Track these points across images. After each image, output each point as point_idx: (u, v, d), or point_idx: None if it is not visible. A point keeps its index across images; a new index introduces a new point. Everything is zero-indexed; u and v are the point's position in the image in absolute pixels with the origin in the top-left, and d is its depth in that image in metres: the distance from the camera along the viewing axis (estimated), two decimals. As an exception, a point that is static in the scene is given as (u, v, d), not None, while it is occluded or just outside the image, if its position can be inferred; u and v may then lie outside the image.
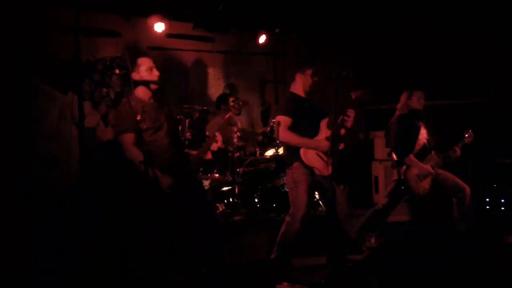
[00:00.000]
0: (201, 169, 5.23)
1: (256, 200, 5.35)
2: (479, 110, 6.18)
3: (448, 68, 6.55)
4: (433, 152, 4.69)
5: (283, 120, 4.03)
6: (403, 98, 4.80)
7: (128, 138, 3.51)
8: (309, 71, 4.15)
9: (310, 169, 4.00)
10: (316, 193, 4.82)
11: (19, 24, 5.03)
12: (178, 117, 5.19)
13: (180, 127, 5.18)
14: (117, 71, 3.73)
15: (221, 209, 5.25)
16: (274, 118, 4.96)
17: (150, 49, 6.02)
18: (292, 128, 4.02)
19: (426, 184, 4.60)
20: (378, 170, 6.42)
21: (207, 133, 5.39)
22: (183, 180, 3.61)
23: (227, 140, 5.34)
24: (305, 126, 4.05)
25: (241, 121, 6.25)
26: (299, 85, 4.19)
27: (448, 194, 4.68)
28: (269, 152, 5.72)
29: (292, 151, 4.05)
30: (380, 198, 5.41)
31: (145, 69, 3.67)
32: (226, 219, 5.07)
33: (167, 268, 3.62)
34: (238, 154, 5.47)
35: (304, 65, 4.22)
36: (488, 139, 5.50)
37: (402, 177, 4.64)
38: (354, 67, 6.62)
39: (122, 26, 5.94)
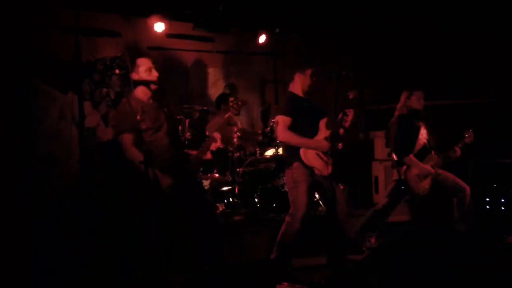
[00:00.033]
0: (201, 169, 5.23)
1: (256, 200, 5.35)
2: (479, 110, 6.18)
3: (448, 68, 6.56)
4: (433, 152, 4.69)
5: (282, 119, 4.03)
6: (402, 98, 4.80)
7: (128, 138, 3.51)
8: (308, 71, 4.14)
9: (310, 169, 4.00)
10: (316, 193, 4.82)
11: (19, 24, 5.03)
12: (178, 117, 5.19)
13: (180, 127, 5.19)
14: (117, 71, 3.73)
15: (221, 209, 5.25)
16: (274, 118, 4.96)
17: (150, 49, 6.03)
18: (292, 128, 4.01)
19: (426, 184, 4.60)
20: (378, 170, 6.42)
21: (207, 133, 5.39)
22: (183, 180, 3.61)
23: (227, 140, 5.35)
24: (304, 126, 4.04)
25: (241, 121, 6.25)
26: (298, 85, 4.19)
27: (448, 194, 4.68)
28: (269, 152, 5.72)
29: (292, 151, 4.05)
30: (380, 198, 5.41)
31: (144, 69, 3.68)
32: (226, 219, 5.07)
33: (167, 268, 3.62)
34: (238, 154, 5.47)
35: (304, 65, 4.21)
36: (488, 139, 5.50)
37: (402, 177, 4.64)
38: (354, 67, 6.63)
39: (122, 26, 5.94)
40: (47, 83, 5.40)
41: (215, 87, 6.65)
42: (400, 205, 4.91)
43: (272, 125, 5.52)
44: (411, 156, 4.61)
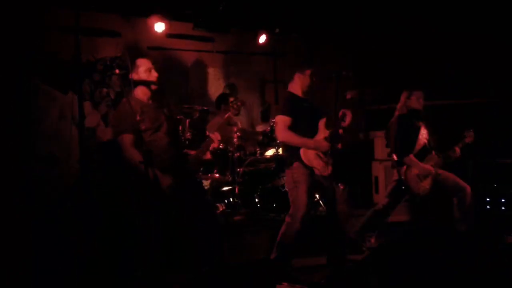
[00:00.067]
0: (201, 169, 5.23)
1: (256, 200, 5.35)
2: (479, 110, 6.18)
3: (448, 68, 6.56)
4: (433, 152, 4.69)
5: (283, 119, 4.02)
6: (402, 98, 4.80)
7: (128, 138, 3.52)
8: (308, 71, 4.14)
9: (310, 169, 4.00)
10: (316, 193, 4.82)
11: (19, 24, 5.03)
12: (178, 117, 5.19)
13: (180, 127, 5.19)
14: (117, 71, 3.74)
15: (221, 209, 5.24)
16: (274, 118, 4.96)
17: (150, 49, 6.03)
18: (292, 128, 4.01)
19: (426, 184, 4.59)
20: (378, 170, 6.42)
21: (207, 133, 5.39)
22: (183, 180, 3.61)
23: (227, 140, 5.35)
24: (304, 126, 4.04)
25: (241, 121, 6.25)
26: (297, 85, 4.18)
27: (449, 194, 4.68)
28: (269, 152, 5.71)
29: (292, 151, 4.04)
30: (380, 198, 5.41)
31: (144, 70, 3.68)
32: (226, 219, 5.07)
33: (167, 268, 3.62)
34: (238, 154, 5.47)
35: (303, 65, 4.21)
36: (488, 139, 5.50)
37: (403, 177, 4.64)
38: (354, 67, 6.62)
39: (122, 26, 5.94)
40: (47, 83, 5.40)
41: (215, 87, 6.65)
42: (400, 205, 4.91)
43: (272, 125, 5.52)
44: (411, 156, 4.61)
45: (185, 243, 3.84)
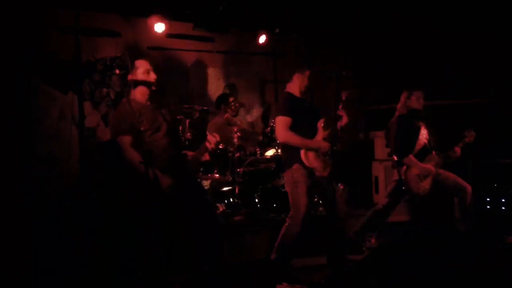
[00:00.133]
0: (201, 169, 5.24)
1: (256, 200, 5.35)
2: (479, 110, 6.18)
3: (448, 68, 6.56)
4: (433, 152, 4.69)
5: (283, 120, 4.01)
6: (402, 98, 4.80)
7: (127, 139, 3.52)
8: (307, 72, 4.14)
9: (309, 170, 3.99)
10: (316, 193, 4.82)
11: (19, 24, 5.03)
12: (178, 117, 5.20)
13: (180, 127, 5.19)
14: (117, 71, 3.74)
15: (221, 209, 5.24)
16: (273, 118, 4.96)
17: (150, 49, 6.03)
18: (292, 128, 4.01)
19: (426, 184, 4.60)
20: (378, 170, 6.42)
21: (207, 133, 5.38)
22: (183, 180, 3.61)
23: (227, 140, 5.35)
24: (304, 126, 4.03)
25: (241, 121, 6.25)
26: (296, 85, 4.17)
27: (449, 193, 4.68)
28: (269, 152, 5.71)
29: (292, 152, 4.03)
30: (381, 198, 5.41)
31: (142, 71, 3.68)
32: (226, 219, 5.07)
33: (167, 268, 3.62)
34: (238, 154, 5.47)
35: (303, 65, 4.20)
36: (488, 139, 5.50)
37: (403, 177, 4.64)
38: (354, 67, 6.62)
39: (122, 26, 5.94)
40: (47, 83, 5.40)
41: (215, 87, 6.65)
42: (400, 205, 4.91)
43: (272, 125, 5.52)
44: (411, 156, 4.61)
45: (185, 243, 3.84)
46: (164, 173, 3.46)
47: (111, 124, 3.76)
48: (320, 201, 4.80)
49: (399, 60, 6.76)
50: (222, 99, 5.80)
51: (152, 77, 3.70)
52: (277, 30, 6.59)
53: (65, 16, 5.11)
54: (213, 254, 3.72)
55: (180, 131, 5.17)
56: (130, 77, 3.66)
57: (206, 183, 5.35)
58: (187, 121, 5.26)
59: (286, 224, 4.01)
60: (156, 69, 3.76)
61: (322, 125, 4.08)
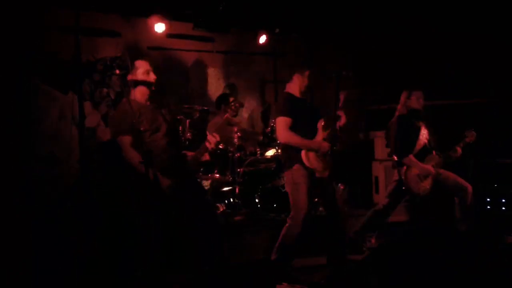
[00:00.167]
0: (201, 169, 5.24)
1: (256, 200, 5.35)
2: (479, 110, 6.18)
3: (448, 68, 6.56)
4: (433, 152, 4.69)
5: (284, 120, 4.00)
6: (402, 98, 4.80)
7: (127, 139, 3.52)
8: (307, 72, 4.14)
9: (310, 171, 3.99)
10: (316, 193, 4.82)
11: (19, 24, 5.03)
12: (178, 117, 5.20)
13: (180, 127, 5.19)
14: (117, 71, 3.74)
15: (221, 209, 5.24)
16: (273, 119, 4.96)
17: (150, 49, 6.03)
18: (292, 128, 4.00)
19: (426, 184, 4.59)
20: (378, 170, 6.42)
21: (207, 133, 5.38)
22: (183, 180, 3.61)
23: (227, 140, 5.35)
24: (304, 126, 4.03)
25: (241, 121, 6.25)
26: (296, 86, 4.17)
27: (450, 193, 4.68)
28: (270, 152, 5.71)
29: (292, 152, 4.03)
30: (381, 198, 5.41)
31: (142, 72, 3.68)
32: (226, 219, 5.07)
33: (167, 268, 3.62)
34: (238, 154, 5.47)
35: (303, 65, 4.20)
36: (488, 139, 5.50)
37: (403, 178, 4.64)
38: (354, 67, 6.62)
39: (122, 26, 5.94)
40: (47, 83, 5.40)
41: (215, 87, 6.65)
42: (400, 205, 4.91)
43: (273, 125, 5.52)
44: (411, 156, 4.60)
45: (185, 243, 3.84)
46: (164, 173, 3.46)
47: (111, 124, 3.76)
48: (320, 201, 4.80)
49: (399, 60, 6.76)
50: (222, 99, 5.80)
51: (152, 77, 3.70)
52: (277, 30, 6.60)
53: (65, 16, 5.11)
54: (213, 254, 3.72)
55: (180, 131, 5.17)
56: (130, 77, 3.67)
57: (206, 183, 5.35)
58: (187, 121, 5.27)
59: (287, 224, 4.01)
60: (156, 70, 3.77)
61: (322, 125, 4.08)
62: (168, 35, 6.04)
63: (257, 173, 5.59)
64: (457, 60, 6.48)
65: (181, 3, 5.90)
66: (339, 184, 5.61)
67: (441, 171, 4.65)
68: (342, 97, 3.94)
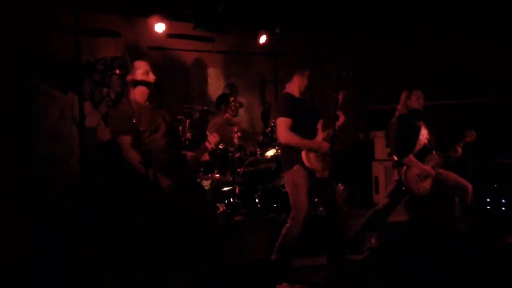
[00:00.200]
0: (201, 169, 5.24)
1: (256, 200, 5.35)
2: (479, 110, 6.18)
3: (448, 68, 6.55)
4: (434, 152, 4.69)
5: (284, 121, 4.00)
6: (402, 98, 4.80)
7: (127, 139, 3.52)
8: (307, 72, 4.14)
9: (310, 171, 3.99)
10: (316, 194, 4.82)
11: (19, 24, 5.03)
12: (178, 117, 5.20)
13: (180, 127, 5.19)
14: (117, 71, 3.74)
15: (221, 209, 5.25)
16: (273, 119, 4.96)
17: (150, 49, 6.03)
18: (292, 129, 4.00)
19: (427, 184, 4.59)
20: (378, 170, 6.42)
21: (207, 133, 5.39)
22: (183, 180, 3.61)
23: (227, 140, 5.35)
24: (304, 126, 4.03)
25: (241, 121, 6.25)
26: (296, 86, 4.16)
27: (450, 193, 4.68)
28: (270, 152, 5.72)
29: (292, 153, 4.02)
30: (381, 198, 5.41)
31: (141, 72, 3.69)
32: (226, 219, 5.07)
33: (167, 268, 3.62)
34: (238, 154, 5.47)
35: (303, 65, 4.20)
36: (488, 139, 5.50)
37: (403, 178, 4.63)
38: (354, 67, 6.62)
39: (122, 26, 5.94)
40: (47, 83, 5.40)
41: (215, 87, 6.65)
42: (400, 205, 4.91)
43: (273, 125, 5.52)
44: (411, 156, 4.60)
45: (185, 243, 3.85)
46: (163, 173, 3.46)
47: (111, 124, 3.76)
48: (320, 201, 4.80)
49: (399, 60, 6.76)
50: (222, 99, 5.80)
51: (151, 77, 3.71)
52: (277, 30, 6.60)
53: (65, 16, 5.10)
54: (213, 254, 3.72)
55: (180, 131, 5.17)
56: (129, 77, 3.67)
57: (206, 183, 5.35)
58: (187, 121, 5.27)
59: (287, 225, 4.01)
60: (155, 70, 3.77)
61: (322, 125, 4.08)
62: (168, 35, 6.04)
63: (257, 173, 5.60)
64: (457, 60, 6.47)
65: (181, 3, 5.90)
66: (339, 184, 5.61)
67: (441, 171, 4.65)
68: (340, 97, 3.93)
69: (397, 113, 4.80)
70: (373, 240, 4.84)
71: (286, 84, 4.24)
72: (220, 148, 5.33)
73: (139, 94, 3.68)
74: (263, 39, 6.50)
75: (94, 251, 4.07)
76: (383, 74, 6.81)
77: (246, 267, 4.25)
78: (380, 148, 6.38)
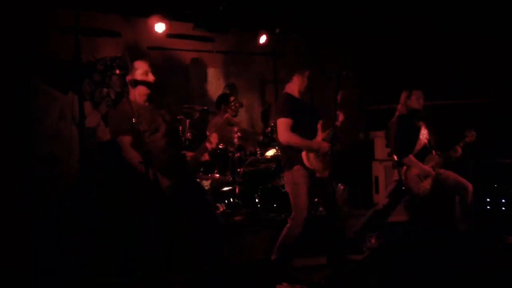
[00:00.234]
0: (201, 169, 5.24)
1: (256, 200, 5.35)
2: (479, 110, 6.18)
3: (448, 68, 6.55)
4: (434, 152, 4.69)
5: (284, 121, 3.99)
6: (402, 98, 4.80)
7: (127, 139, 3.52)
8: (307, 73, 4.13)
9: (310, 171, 3.99)
10: (316, 194, 4.82)
11: (19, 24, 5.03)
12: (178, 117, 5.20)
13: (180, 127, 5.19)
14: (117, 71, 3.74)
15: (221, 209, 5.25)
16: (273, 119, 4.95)
17: (150, 49, 6.03)
18: (292, 129, 4.00)
19: (427, 184, 4.59)
20: (378, 170, 6.42)
21: (207, 133, 5.39)
22: (183, 180, 3.61)
23: (227, 140, 5.35)
24: (303, 126, 4.02)
25: (241, 121, 6.24)
26: (296, 86, 4.16)
27: (450, 193, 4.68)
28: (270, 152, 5.72)
29: (292, 153, 4.02)
30: (381, 198, 5.41)
31: (141, 72, 3.69)
32: (226, 219, 5.07)
33: (167, 268, 3.62)
34: (238, 154, 5.47)
35: (303, 66, 4.20)
36: (488, 139, 5.50)
37: (403, 178, 4.63)
38: (354, 67, 6.62)
39: (122, 26, 5.94)
40: (47, 83, 5.40)
41: (215, 87, 6.65)
42: (400, 205, 4.91)
43: (273, 125, 5.52)
44: (411, 156, 4.60)
45: (185, 243, 3.85)
46: (163, 173, 3.46)
47: (110, 124, 3.76)
48: (320, 201, 4.80)
49: (399, 60, 6.76)
50: (222, 99, 5.80)
51: (151, 78, 3.71)
52: (277, 30, 6.60)
53: (65, 16, 5.10)
54: (213, 254, 3.72)
55: (180, 131, 5.17)
56: (129, 77, 3.67)
57: (206, 183, 5.35)
58: (187, 121, 5.27)
59: (288, 225, 4.01)
60: (155, 70, 3.77)
61: (322, 125, 4.08)
62: (168, 35, 6.04)
63: (257, 173, 5.60)
64: (457, 60, 6.47)
65: (181, 3, 5.90)
66: (339, 184, 5.61)
67: (441, 170, 4.66)
68: (339, 97, 3.94)
69: (397, 113, 4.80)
70: (373, 240, 4.84)
71: (286, 84, 4.24)
72: (220, 148, 5.33)
73: (139, 94, 3.68)
74: (263, 39, 6.50)
75: (94, 251, 4.08)
76: (383, 74, 6.81)
77: (246, 267, 4.25)
78: (380, 148, 6.38)
